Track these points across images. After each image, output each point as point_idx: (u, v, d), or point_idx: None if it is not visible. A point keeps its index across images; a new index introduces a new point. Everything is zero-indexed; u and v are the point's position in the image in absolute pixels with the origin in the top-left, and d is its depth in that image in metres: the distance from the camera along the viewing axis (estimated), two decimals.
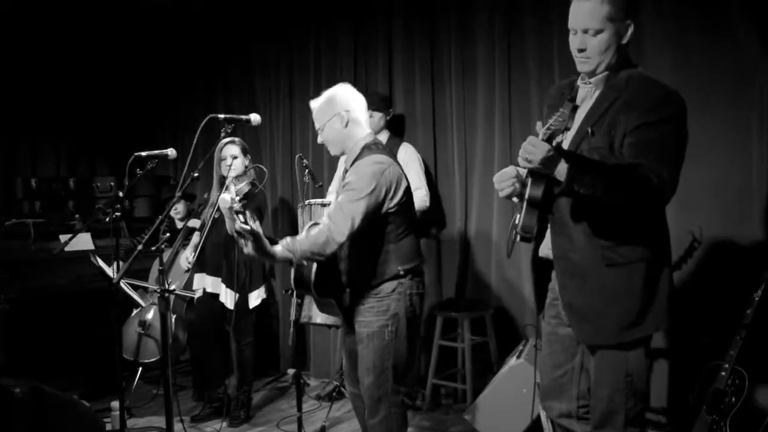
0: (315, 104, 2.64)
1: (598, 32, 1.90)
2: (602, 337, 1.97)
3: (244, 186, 3.48)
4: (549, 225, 2.04)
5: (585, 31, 1.91)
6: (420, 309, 2.63)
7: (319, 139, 2.66)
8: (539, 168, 1.79)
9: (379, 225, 2.51)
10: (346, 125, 2.55)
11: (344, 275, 2.61)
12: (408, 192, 2.57)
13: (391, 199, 2.49)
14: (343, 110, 2.55)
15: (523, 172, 1.99)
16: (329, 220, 2.42)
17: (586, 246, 1.94)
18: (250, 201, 3.64)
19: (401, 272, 2.54)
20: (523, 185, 1.99)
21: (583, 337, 2.03)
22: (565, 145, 1.96)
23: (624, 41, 1.92)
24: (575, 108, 1.77)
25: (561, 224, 2.00)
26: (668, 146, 1.84)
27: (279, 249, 2.39)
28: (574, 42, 1.95)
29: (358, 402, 2.80)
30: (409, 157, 3.83)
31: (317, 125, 2.62)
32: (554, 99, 2.14)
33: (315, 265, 2.53)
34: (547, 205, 1.97)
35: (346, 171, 2.64)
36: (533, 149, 1.77)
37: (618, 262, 1.92)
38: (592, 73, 1.97)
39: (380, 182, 2.45)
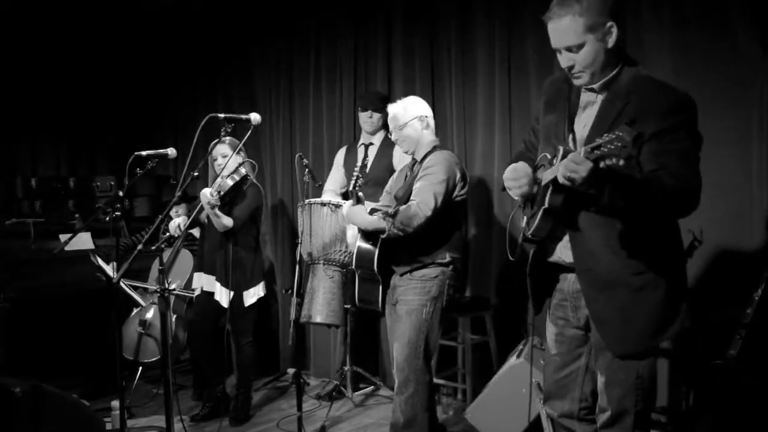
0: (393, 107, 3.05)
1: (580, 47, 1.87)
2: (635, 345, 1.95)
3: (228, 181, 3.50)
4: (568, 238, 2.01)
5: (568, 49, 1.90)
6: (453, 299, 2.96)
7: (394, 137, 3.03)
8: (580, 186, 1.71)
9: (443, 211, 2.83)
10: (425, 128, 2.98)
11: (401, 252, 2.88)
12: (466, 190, 2.96)
13: (460, 190, 2.90)
14: (423, 114, 3.00)
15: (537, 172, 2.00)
16: (417, 198, 2.79)
17: (610, 260, 1.93)
18: (241, 197, 3.65)
19: (448, 259, 2.89)
20: (536, 182, 1.99)
21: (615, 348, 1.98)
22: None
23: (610, 45, 1.88)
24: (639, 136, 1.61)
25: (581, 238, 1.97)
26: (690, 152, 1.83)
27: (375, 218, 2.83)
28: (562, 61, 1.94)
29: None
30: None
31: (397, 124, 2.99)
32: (551, 94, 2.13)
33: (379, 242, 2.87)
34: (568, 215, 1.95)
35: (414, 165, 3.01)
36: (577, 167, 1.67)
37: (644, 270, 1.91)
38: (589, 83, 1.96)
39: (455, 172, 2.87)
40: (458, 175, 2.89)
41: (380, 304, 3.00)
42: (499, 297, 3.88)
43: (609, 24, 1.86)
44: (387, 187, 3.25)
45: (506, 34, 3.78)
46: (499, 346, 3.79)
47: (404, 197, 2.91)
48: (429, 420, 2.90)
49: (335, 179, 4.13)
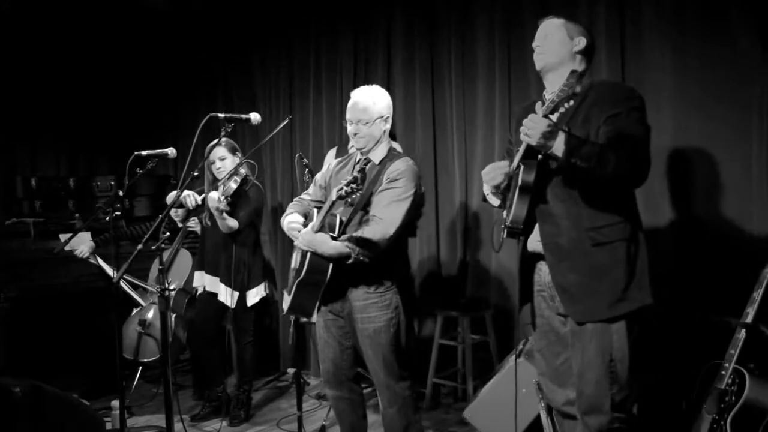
0: (362, 97, 2.69)
1: (552, 35, 2.23)
2: (593, 313, 2.10)
3: (231, 184, 3.50)
4: (537, 214, 2.18)
5: (544, 35, 2.25)
6: (414, 298, 2.80)
7: (354, 129, 2.69)
8: (539, 142, 1.97)
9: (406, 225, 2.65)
10: (388, 128, 2.74)
11: (359, 267, 2.62)
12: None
13: (421, 201, 2.74)
14: (389, 114, 2.74)
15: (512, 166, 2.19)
16: (382, 216, 2.56)
17: (572, 230, 2.11)
18: (244, 198, 3.65)
19: (399, 265, 2.74)
20: (509, 185, 2.19)
21: (575, 315, 2.14)
22: None
23: (575, 49, 2.20)
24: (582, 74, 1.99)
25: (547, 213, 2.16)
26: (639, 133, 2.07)
27: (339, 244, 2.54)
28: (534, 42, 2.27)
29: (342, 405, 2.88)
30: None
31: (362, 117, 2.66)
32: (521, 116, 2.23)
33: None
34: (538, 193, 2.13)
35: (367, 164, 2.71)
36: (534, 125, 1.96)
37: (602, 241, 2.09)
38: (545, 70, 2.24)
39: (418, 182, 2.69)
40: (422, 187, 2.73)
41: (313, 314, 2.74)
42: (499, 297, 3.88)
43: (579, 38, 2.21)
44: (320, 179, 2.91)
45: (506, 34, 3.78)
46: (499, 346, 3.79)
47: (361, 203, 2.64)
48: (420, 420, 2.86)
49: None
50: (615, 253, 2.09)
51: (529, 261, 2.28)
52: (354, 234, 2.55)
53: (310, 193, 2.93)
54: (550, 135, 1.96)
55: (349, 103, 2.72)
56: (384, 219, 2.55)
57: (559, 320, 2.25)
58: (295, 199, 2.99)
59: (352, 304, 2.68)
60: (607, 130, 2.05)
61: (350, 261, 2.54)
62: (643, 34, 3.23)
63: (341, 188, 2.45)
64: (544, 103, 2.10)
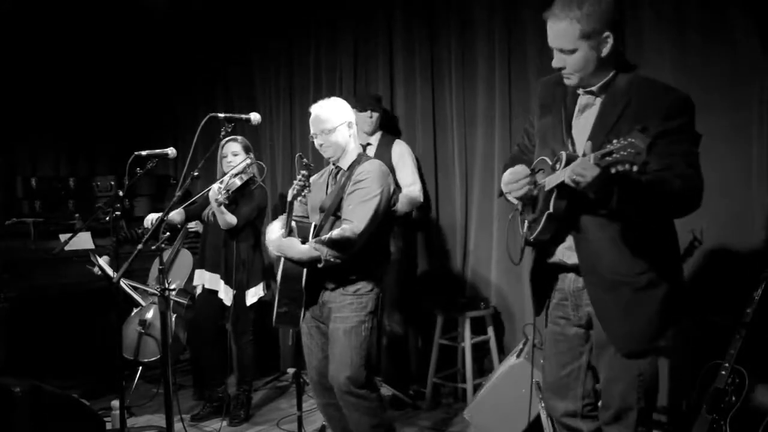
0: (320, 109, 2.76)
1: (572, 51, 1.89)
2: (640, 343, 1.98)
3: (236, 180, 3.52)
4: (572, 240, 2.02)
5: (561, 51, 1.92)
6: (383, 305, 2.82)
7: (319, 141, 2.74)
8: (588, 192, 1.75)
9: (379, 225, 2.63)
10: (351, 135, 2.76)
11: (334, 271, 2.63)
12: (395, 199, 2.79)
13: (392, 201, 2.72)
14: (351, 120, 2.77)
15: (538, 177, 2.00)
16: (351, 218, 2.57)
17: (615, 260, 1.95)
18: (248, 196, 3.66)
19: (380, 270, 2.74)
20: (535, 185, 1.99)
21: (622, 346, 2.00)
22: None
23: (603, 54, 1.89)
24: (652, 145, 1.57)
25: (586, 240, 1.99)
26: (692, 152, 1.88)
27: (307, 248, 2.57)
28: (555, 60, 1.96)
29: (331, 410, 2.85)
30: (403, 153, 3.93)
31: (324, 127, 2.71)
32: (545, 97, 2.14)
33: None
34: (571, 218, 1.96)
35: (338, 173, 2.78)
36: (584, 173, 1.69)
37: (647, 269, 1.93)
38: (579, 86, 1.98)
39: (389, 183, 2.69)
40: (392, 186, 2.71)
41: (300, 323, 2.74)
42: (499, 297, 3.88)
43: (606, 34, 1.88)
44: (317, 204, 2.91)
45: (506, 34, 3.78)
46: (499, 346, 3.79)
47: (332, 209, 2.68)
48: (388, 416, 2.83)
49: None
50: (660, 284, 1.94)
51: (546, 269, 2.15)
52: (322, 237, 2.57)
53: (295, 209, 2.92)
54: (603, 188, 1.71)
55: (310, 119, 2.77)
56: (352, 219, 2.57)
57: (576, 332, 2.13)
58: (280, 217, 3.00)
59: (329, 307, 2.69)
60: (658, 152, 1.74)
61: (321, 264, 2.56)
62: (643, 34, 3.23)
63: (293, 188, 2.60)
64: (571, 99, 1.99)
